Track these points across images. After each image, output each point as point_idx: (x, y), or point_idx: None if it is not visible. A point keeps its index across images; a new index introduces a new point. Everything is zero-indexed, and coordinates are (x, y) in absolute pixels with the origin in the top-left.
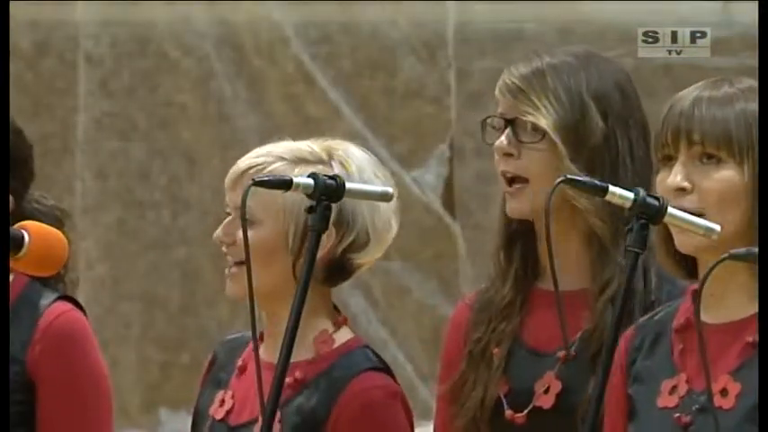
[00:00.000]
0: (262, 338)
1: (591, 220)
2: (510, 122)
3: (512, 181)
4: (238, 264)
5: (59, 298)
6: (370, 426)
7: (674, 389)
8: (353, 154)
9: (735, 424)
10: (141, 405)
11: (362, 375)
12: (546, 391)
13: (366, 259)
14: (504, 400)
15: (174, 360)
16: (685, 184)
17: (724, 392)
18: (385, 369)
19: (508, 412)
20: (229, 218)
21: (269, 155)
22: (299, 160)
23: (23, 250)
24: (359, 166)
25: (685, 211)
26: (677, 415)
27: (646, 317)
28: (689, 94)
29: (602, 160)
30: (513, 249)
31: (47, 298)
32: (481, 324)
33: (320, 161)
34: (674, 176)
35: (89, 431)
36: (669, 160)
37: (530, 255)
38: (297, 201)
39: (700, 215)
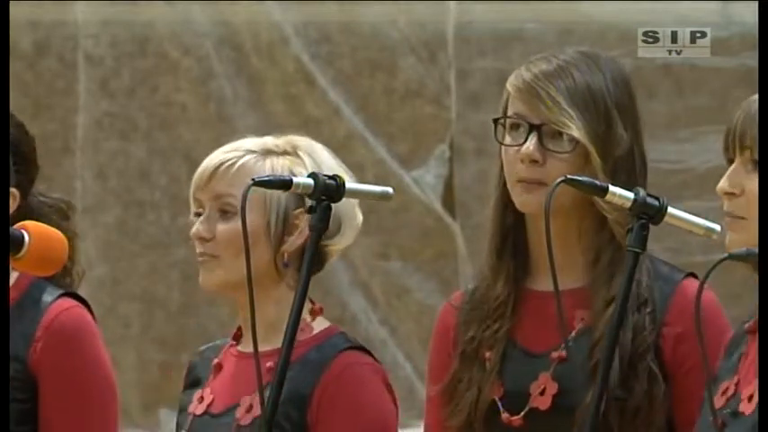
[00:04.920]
0: (241, 333)
1: (614, 227)
2: (535, 128)
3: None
4: (212, 257)
5: (63, 295)
6: (353, 401)
7: (726, 390)
8: (316, 147)
9: (745, 430)
10: (141, 405)
11: (344, 354)
12: (542, 393)
13: (338, 246)
14: (499, 403)
15: (173, 360)
16: (729, 188)
17: (751, 398)
18: (365, 349)
19: (504, 415)
20: (204, 214)
21: (237, 149)
22: (268, 152)
23: (23, 250)
24: (326, 158)
25: (732, 215)
26: (712, 418)
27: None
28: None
29: (623, 169)
30: (505, 248)
31: (50, 295)
32: (473, 323)
33: (286, 153)
34: (723, 181)
35: (93, 429)
36: (731, 164)
37: (521, 254)
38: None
39: (743, 218)
